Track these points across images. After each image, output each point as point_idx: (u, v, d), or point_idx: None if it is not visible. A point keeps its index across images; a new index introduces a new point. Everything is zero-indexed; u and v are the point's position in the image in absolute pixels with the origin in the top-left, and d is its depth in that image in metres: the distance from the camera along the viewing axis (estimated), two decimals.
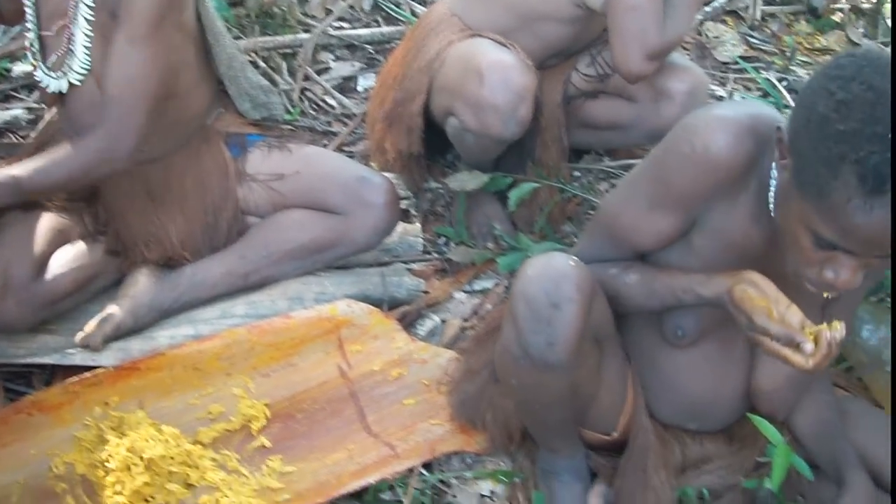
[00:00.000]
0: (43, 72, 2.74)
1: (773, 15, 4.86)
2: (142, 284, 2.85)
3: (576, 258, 2.16)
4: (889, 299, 2.79)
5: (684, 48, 4.43)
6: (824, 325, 1.97)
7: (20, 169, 2.60)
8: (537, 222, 3.25)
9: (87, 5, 2.61)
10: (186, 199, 2.93)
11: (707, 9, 4.63)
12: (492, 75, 2.87)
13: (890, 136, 1.75)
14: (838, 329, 1.98)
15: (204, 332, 2.84)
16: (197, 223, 2.95)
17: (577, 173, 3.55)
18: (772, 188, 2.03)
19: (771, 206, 2.05)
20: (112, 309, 2.79)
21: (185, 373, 2.72)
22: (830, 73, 1.84)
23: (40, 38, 2.74)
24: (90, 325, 2.75)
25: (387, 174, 3.12)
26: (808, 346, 1.96)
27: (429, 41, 3.12)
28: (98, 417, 2.56)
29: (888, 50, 4.52)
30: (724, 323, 2.21)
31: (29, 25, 2.73)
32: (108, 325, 2.76)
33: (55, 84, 2.72)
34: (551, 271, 2.10)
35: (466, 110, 2.93)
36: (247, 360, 2.77)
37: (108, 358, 2.74)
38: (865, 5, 4.93)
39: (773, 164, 2.01)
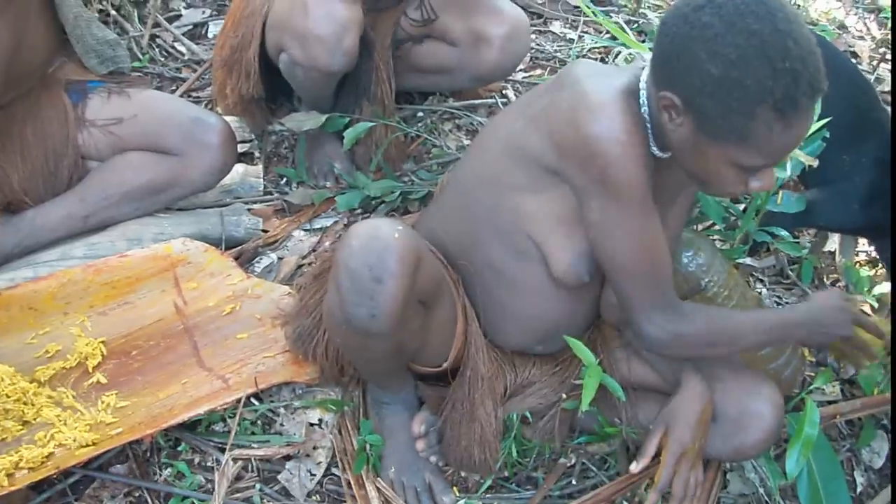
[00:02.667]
0: None
1: None
2: None
3: (404, 224, 2.15)
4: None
5: None
6: None
7: None
8: (374, 160, 3.29)
9: None
10: (27, 146, 2.91)
11: None
12: (316, 9, 2.89)
13: (790, 65, 1.85)
14: None
15: (42, 274, 2.84)
16: (37, 169, 2.94)
17: (420, 114, 3.60)
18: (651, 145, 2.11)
19: (654, 150, 2.12)
20: None
21: (21, 313, 2.73)
22: (705, 33, 1.88)
23: None
24: None
25: (229, 117, 3.15)
26: None
27: None
28: None
29: None
30: None
31: None
32: None
33: None
34: (375, 244, 2.07)
35: (294, 43, 2.95)
36: (83, 298, 2.78)
37: None
38: None
39: (644, 109, 2.08)
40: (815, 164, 2.61)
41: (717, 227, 2.90)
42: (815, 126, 2.62)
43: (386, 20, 3.25)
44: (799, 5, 4.84)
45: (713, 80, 1.89)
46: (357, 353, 2.34)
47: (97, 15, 3.78)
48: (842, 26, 4.78)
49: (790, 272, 3.27)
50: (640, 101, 2.09)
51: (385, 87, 3.26)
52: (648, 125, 2.09)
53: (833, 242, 3.40)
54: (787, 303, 3.16)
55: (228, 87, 3.22)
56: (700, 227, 3.02)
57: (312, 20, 2.89)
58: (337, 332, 2.24)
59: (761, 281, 3.24)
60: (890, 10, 4.89)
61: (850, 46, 4.63)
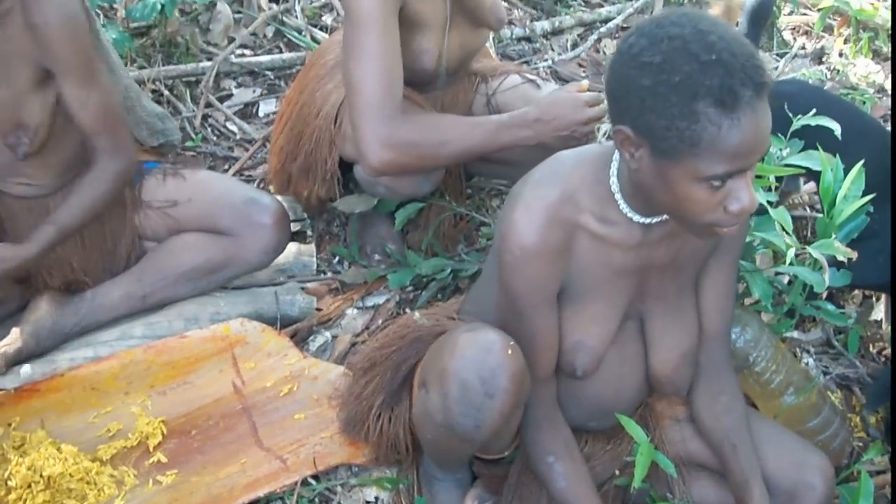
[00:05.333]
0: None
1: None
2: (43, 310, 2.93)
3: (512, 343, 2.17)
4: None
5: (580, 65, 4.57)
6: None
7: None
8: (426, 239, 3.34)
9: None
10: (86, 227, 2.97)
11: (612, 25, 4.80)
12: None
13: (718, 56, 1.84)
14: None
15: (103, 354, 2.92)
16: (96, 250, 3.02)
17: (469, 191, 3.62)
18: (619, 201, 2.14)
19: (624, 209, 2.14)
20: (15, 334, 2.87)
21: (83, 393, 2.81)
22: (632, 52, 1.92)
23: None
24: None
25: (281, 196, 3.22)
26: None
27: (328, 87, 3.12)
28: (0, 437, 2.64)
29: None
30: (617, 332, 2.33)
31: None
32: (11, 349, 2.84)
33: None
34: (490, 359, 2.11)
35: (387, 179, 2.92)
36: (144, 378, 2.85)
37: (11, 381, 2.82)
38: None
39: (612, 178, 2.14)
40: (854, 255, 2.63)
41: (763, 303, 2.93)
42: (856, 204, 2.66)
43: (458, 106, 3.24)
44: (838, 70, 4.87)
45: (648, 91, 1.88)
46: (440, 448, 2.39)
47: (150, 96, 3.88)
48: (881, 90, 4.81)
49: (835, 342, 3.29)
50: (610, 172, 2.13)
51: (454, 178, 3.32)
52: (619, 195, 2.13)
53: (879, 311, 3.41)
54: (834, 373, 3.18)
55: (304, 189, 3.20)
56: (748, 301, 3.05)
57: None
58: (430, 431, 2.29)
59: (808, 352, 3.25)
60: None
61: (888, 110, 4.65)
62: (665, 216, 2.14)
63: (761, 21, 3.39)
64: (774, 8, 5.06)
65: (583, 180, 2.17)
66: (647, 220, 2.15)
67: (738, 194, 1.95)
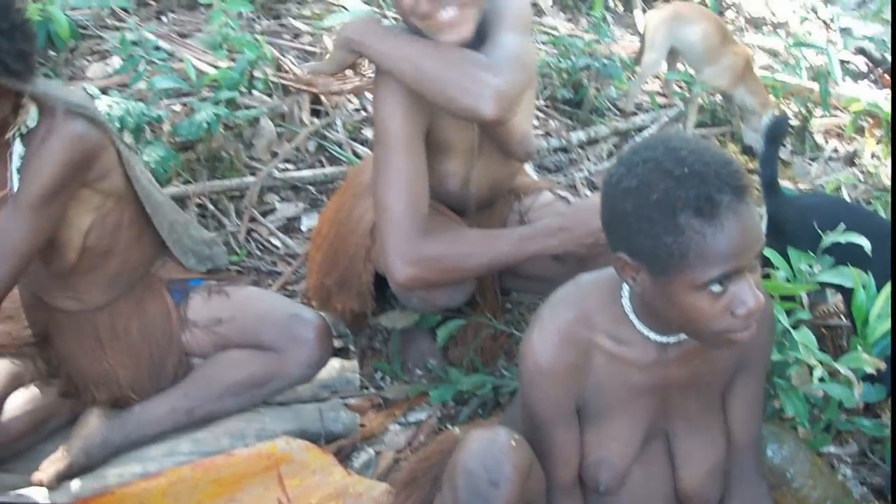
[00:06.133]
0: None
1: (703, 137, 5.05)
2: (93, 425, 2.99)
3: (518, 436, 2.22)
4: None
5: None
6: None
7: None
8: (467, 356, 3.39)
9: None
10: (133, 344, 3.05)
11: (646, 134, 4.87)
12: None
13: (690, 169, 1.92)
14: None
15: (151, 470, 2.96)
16: (143, 366, 3.08)
17: (508, 305, 3.68)
18: (633, 320, 2.21)
19: (640, 328, 2.22)
20: (65, 449, 2.93)
21: None
22: (613, 182, 2.03)
23: None
24: (45, 465, 2.88)
25: (323, 311, 3.28)
26: None
27: (364, 205, 3.20)
28: None
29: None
30: (642, 449, 2.38)
31: None
32: (62, 464, 2.89)
33: None
34: (494, 448, 2.15)
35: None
36: (191, 496, 2.87)
37: (62, 496, 2.86)
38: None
39: (624, 300, 2.22)
40: (884, 367, 2.66)
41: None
42: (888, 322, 2.70)
43: (493, 225, 3.28)
44: (871, 172, 4.91)
45: (633, 215, 1.97)
46: None
47: (195, 210, 3.98)
48: None
49: (871, 455, 3.30)
50: (622, 293, 2.22)
51: (490, 293, 3.38)
52: (633, 314, 2.20)
53: None
54: (870, 483, 3.19)
55: (339, 303, 3.27)
56: (783, 417, 3.08)
57: None
58: None
59: (845, 462, 3.26)
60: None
61: None
62: (682, 336, 2.20)
63: (778, 139, 3.47)
64: (805, 111, 5.14)
65: (598, 301, 2.25)
66: (665, 340, 2.22)
67: (741, 297, 2.00)
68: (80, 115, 2.72)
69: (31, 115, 2.71)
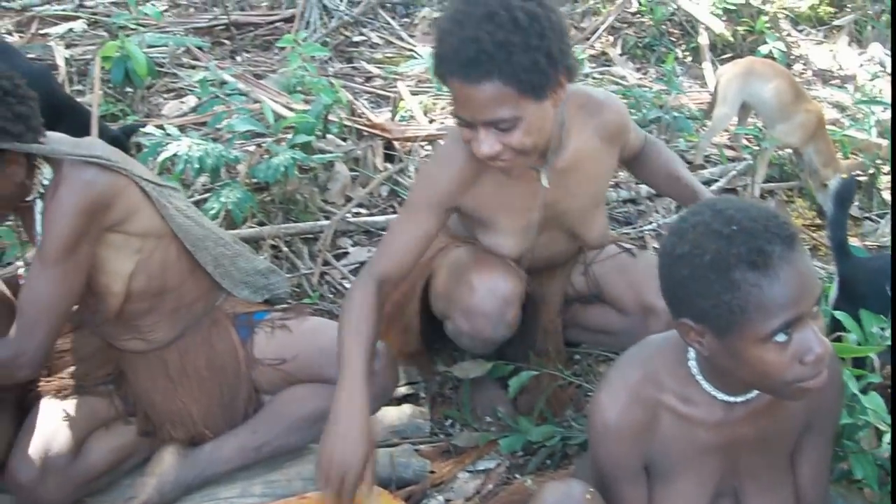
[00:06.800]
0: None
1: (771, 192, 5.09)
2: (167, 463, 3.05)
3: (592, 489, 2.27)
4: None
5: None
6: None
7: None
8: (537, 406, 3.42)
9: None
10: (203, 381, 3.11)
11: (715, 188, 4.89)
12: (480, 285, 3.04)
13: (739, 226, 1.97)
14: None
15: None
16: (215, 403, 3.13)
17: (577, 356, 3.72)
18: (701, 381, 2.24)
19: (707, 388, 2.24)
20: (141, 486, 3.00)
21: None
22: (667, 250, 2.09)
23: None
24: None
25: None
26: None
27: None
28: None
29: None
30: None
31: None
32: (137, 503, 2.97)
33: None
34: (568, 501, 2.22)
35: (459, 316, 3.10)
36: None
37: None
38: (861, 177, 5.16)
39: (691, 362, 2.25)
40: None
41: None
42: None
43: (557, 278, 3.38)
44: None
45: (689, 279, 2.01)
46: None
47: (269, 252, 4.04)
48: None
49: None
50: (688, 356, 2.25)
51: (554, 343, 3.42)
52: (700, 376, 2.23)
53: None
54: None
55: (389, 339, 3.31)
56: (851, 479, 3.08)
57: (478, 297, 3.04)
58: None
59: None
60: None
61: None
62: (749, 395, 2.24)
63: (846, 202, 3.48)
64: (874, 168, 5.14)
65: (665, 362, 2.29)
66: (733, 399, 2.24)
67: (808, 344, 2.02)
68: (88, 163, 2.77)
69: (45, 174, 2.80)
